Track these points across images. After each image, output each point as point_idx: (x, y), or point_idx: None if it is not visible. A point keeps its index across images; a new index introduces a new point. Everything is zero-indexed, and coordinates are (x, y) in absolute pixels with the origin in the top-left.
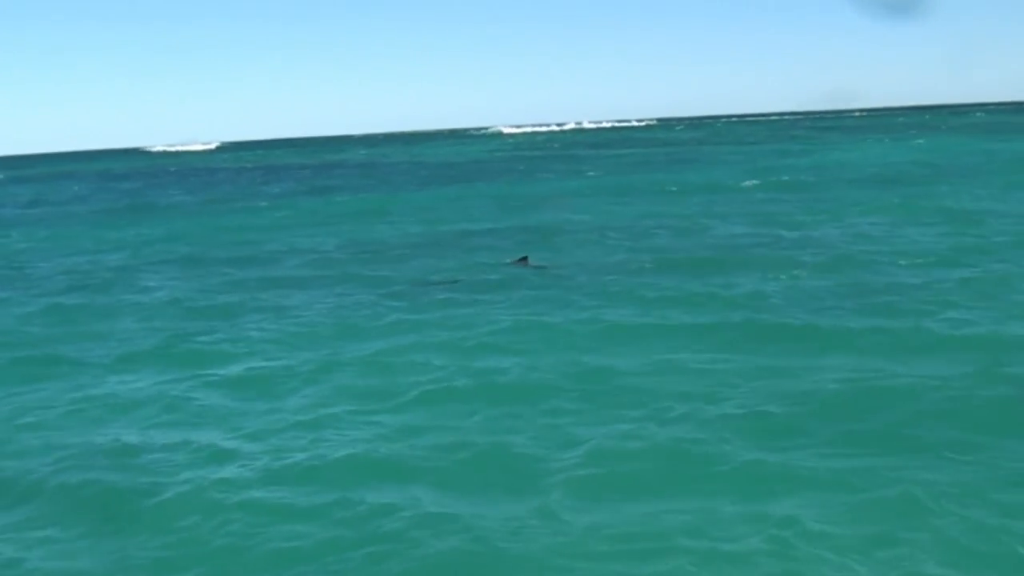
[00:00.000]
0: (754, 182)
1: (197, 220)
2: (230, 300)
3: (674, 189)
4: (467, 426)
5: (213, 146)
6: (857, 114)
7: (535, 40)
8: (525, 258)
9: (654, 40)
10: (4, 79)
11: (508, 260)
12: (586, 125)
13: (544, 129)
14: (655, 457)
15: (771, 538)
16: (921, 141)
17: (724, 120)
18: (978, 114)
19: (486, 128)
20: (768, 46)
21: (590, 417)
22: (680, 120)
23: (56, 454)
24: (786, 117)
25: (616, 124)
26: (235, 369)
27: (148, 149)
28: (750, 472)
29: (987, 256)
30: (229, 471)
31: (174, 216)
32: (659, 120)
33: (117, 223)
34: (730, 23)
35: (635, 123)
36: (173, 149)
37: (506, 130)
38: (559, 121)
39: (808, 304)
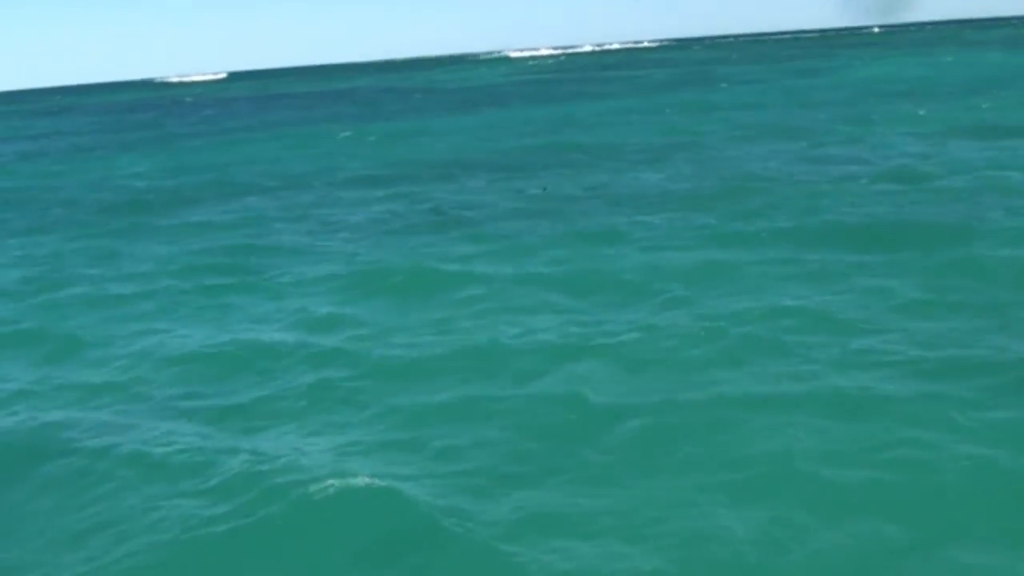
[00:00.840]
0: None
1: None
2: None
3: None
4: None
5: (222, 76)
6: (876, 30)
7: None
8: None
9: None
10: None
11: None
12: (592, 48)
13: (552, 53)
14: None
15: None
16: (950, 59)
17: (737, 38)
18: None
19: (491, 53)
20: None
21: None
22: (696, 40)
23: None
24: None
25: (628, 46)
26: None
27: (163, 80)
28: None
29: None
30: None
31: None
32: (675, 40)
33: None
34: None
35: (648, 44)
36: (188, 79)
37: (513, 54)
38: (564, 45)
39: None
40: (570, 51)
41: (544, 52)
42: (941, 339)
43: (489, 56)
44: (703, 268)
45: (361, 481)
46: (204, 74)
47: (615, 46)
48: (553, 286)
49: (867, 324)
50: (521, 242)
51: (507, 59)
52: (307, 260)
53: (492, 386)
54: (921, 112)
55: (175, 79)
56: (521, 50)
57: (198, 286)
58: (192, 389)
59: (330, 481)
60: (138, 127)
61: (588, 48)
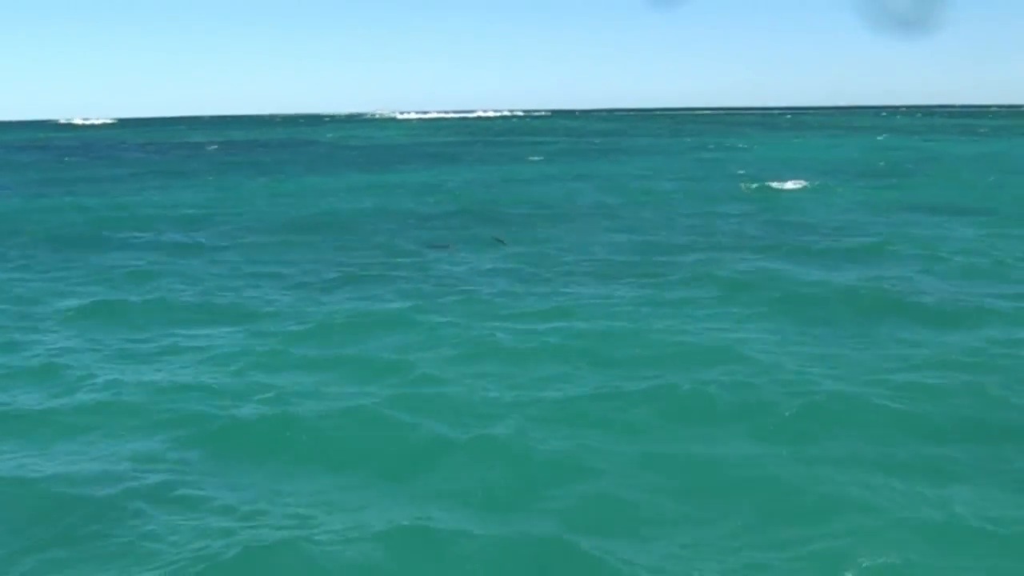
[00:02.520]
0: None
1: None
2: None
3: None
4: None
5: (100, 122)
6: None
7: (407, 28)
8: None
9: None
10: None
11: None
12: (480, 113)
13: (435, 116)
14: None
15: None
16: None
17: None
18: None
19: (372, 114)
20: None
21: None
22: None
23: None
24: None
25: (507, 113)
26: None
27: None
28: None
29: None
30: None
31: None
32: (553, 111)
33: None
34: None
35: (524, 113)
36: (83, 122)
37: (399, 116)
38: (454, 108)
39: None
40: (461, 115)
41: (434, 115)
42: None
43: (375, 117)
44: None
45: None
46: (92, 119)
47: (492, 113)
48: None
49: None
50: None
51: (395, 120)
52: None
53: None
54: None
55: (63, 120)
56: (409, 112)
57: None
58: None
59: None
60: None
61: (480, 113)
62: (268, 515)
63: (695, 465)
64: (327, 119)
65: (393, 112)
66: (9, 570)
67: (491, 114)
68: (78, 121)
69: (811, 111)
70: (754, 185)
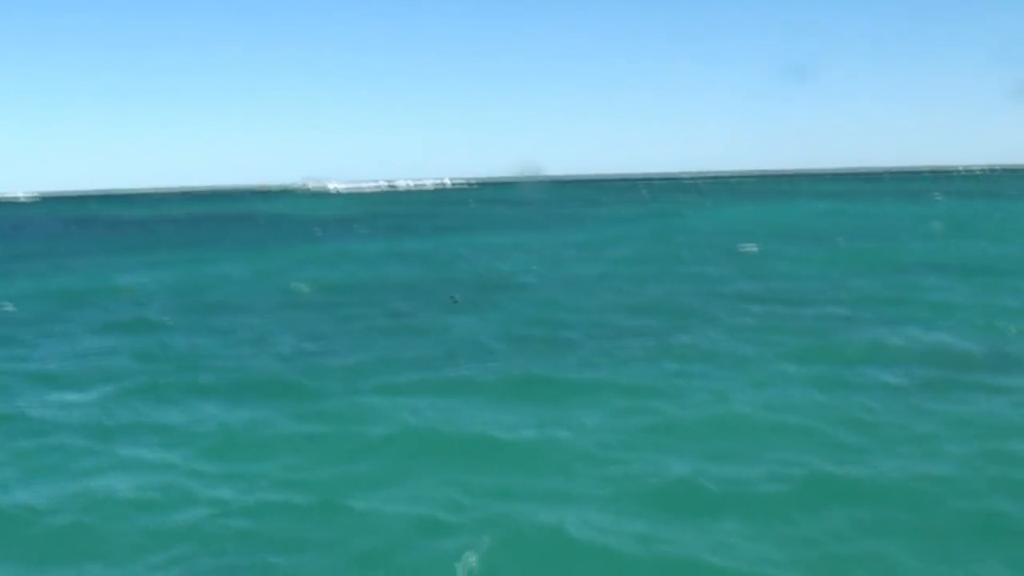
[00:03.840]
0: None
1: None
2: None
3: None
4: None
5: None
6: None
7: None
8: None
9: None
10: None
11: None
12: (402, 184)
13: (369, 187)
14: None
15: None
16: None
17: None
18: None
19: (302, 185)
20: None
21: None
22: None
23: None
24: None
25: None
26: None
27: None
28: None
29: None
30: None
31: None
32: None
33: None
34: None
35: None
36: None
37: (331, 186)
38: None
39: None
40: (392, 185)
41: (367, 186)
42: None
43: (305, 187)
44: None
45: None
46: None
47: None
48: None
49: None
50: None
51: (327, 191)
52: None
53: None
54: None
55: None
56: (345, 183)
57: None
58: None
59: None
60: None
61: (406, 184)
62: None
63: None
64: (247, 193)
65: (323, 183)
66: None
67: (425, 184)
68: None
69: (732, 177)
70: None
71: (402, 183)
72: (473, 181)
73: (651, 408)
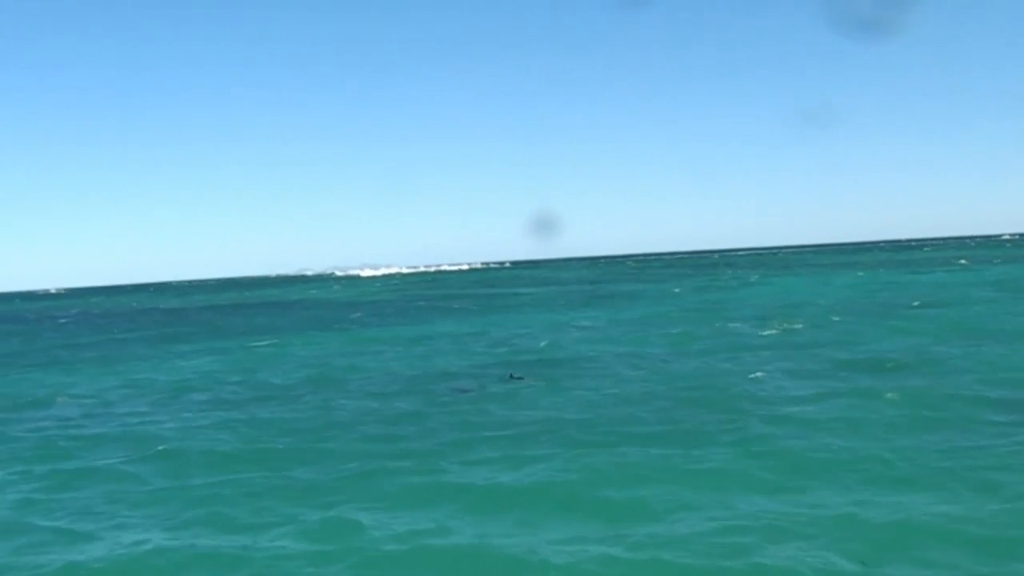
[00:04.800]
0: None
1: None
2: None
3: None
4: None
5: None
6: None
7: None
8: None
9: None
10: None
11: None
12: (422, 268)
13: (396, 271)
14: None
15: None
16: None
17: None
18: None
19: (331, 273)
20: None
21: None
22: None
23: None
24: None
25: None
26: None
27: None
28: None
29: None
30: None
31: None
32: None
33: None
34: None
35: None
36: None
37: (363, 273)
38: (413, 264)
39: None
40: (424, 269)
41: (394, 270)
42: None
43: (329, 275)
44: None
45: None
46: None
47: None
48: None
49: None
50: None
51: (358, 277)
52: None
53: None
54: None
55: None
56: (374, 268)
57: None
58: None
59: None
60: None
61: (444, 267)
62: None
63: None
64: (286, 279)
65: (358, 268)
66: None
67: (462, 266)
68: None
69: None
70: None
71: (432, 266)
72: (505, 262)
73: None
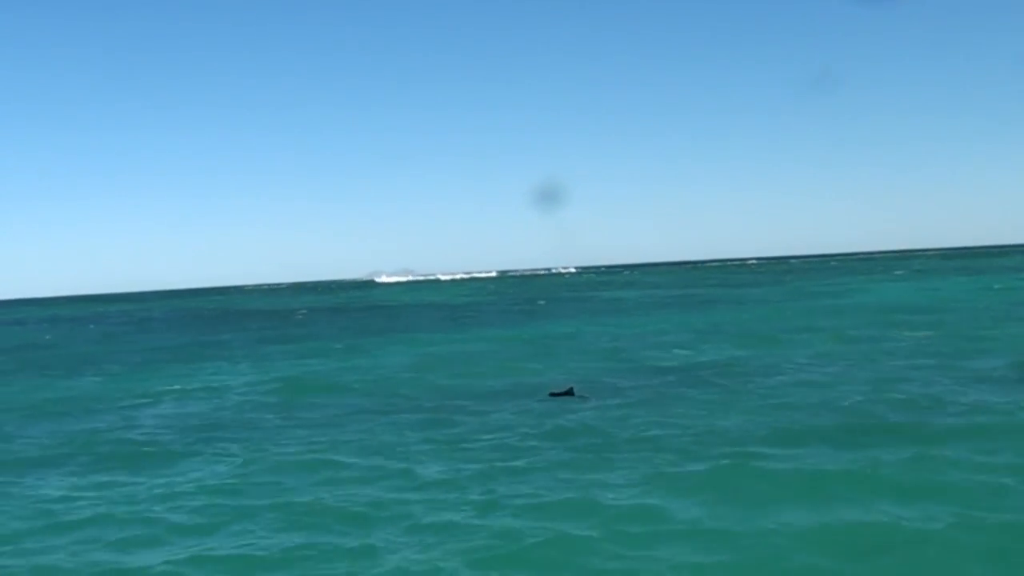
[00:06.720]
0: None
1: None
2: None
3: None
4: None
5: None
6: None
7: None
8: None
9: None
10: None
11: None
12: (441, 277)
13: (421, 278)
14: None
15: None
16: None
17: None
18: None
19: (407, 278)
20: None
21: None
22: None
23: None
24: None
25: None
26: None
27: None
28: None
29: None
30: None
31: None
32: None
33: None
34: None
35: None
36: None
37: (442, 277)
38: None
39: None
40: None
41: (478, 274)
42: None
43: (353, 282)
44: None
45: None
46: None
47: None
48: None
49: None
50: None
51: (438, 281)
52: None
53: None
54: None
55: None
56: (452, 273)
57: None
58: None
59: None
60: None
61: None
62: None
63: None
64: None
65: (433, 273)
66: None
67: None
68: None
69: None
70: None
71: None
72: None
73: None
